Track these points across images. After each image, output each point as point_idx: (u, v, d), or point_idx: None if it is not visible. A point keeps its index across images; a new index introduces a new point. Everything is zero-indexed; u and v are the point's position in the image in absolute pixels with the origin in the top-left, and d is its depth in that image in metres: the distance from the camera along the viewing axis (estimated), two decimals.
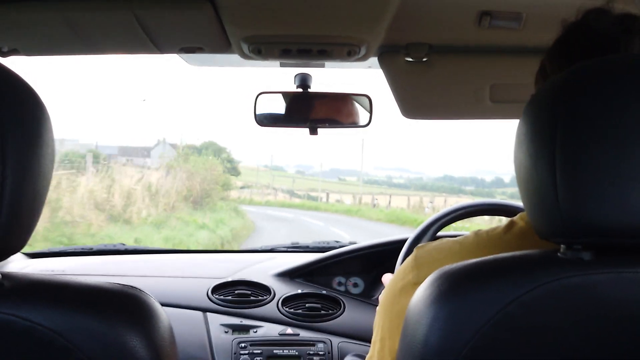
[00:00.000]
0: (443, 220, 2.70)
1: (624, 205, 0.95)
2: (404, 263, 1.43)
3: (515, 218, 1.38)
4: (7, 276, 1.03)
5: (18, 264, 3.06)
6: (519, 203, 2.56)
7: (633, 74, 0.98)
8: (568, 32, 1.35)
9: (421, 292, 1.07)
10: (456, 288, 1.03)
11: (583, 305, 0.98)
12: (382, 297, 1.45)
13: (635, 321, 0.99)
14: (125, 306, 1.05)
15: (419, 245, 1.43)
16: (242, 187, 56.08)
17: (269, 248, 3.52)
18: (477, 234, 1.38)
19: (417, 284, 1.29)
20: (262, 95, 2.35)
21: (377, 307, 1.47)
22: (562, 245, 1.04)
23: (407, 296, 1.32)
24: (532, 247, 1.15)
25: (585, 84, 0.99)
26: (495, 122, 2.44)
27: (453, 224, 2.76)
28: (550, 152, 0.99)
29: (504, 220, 1.48)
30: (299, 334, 2.71)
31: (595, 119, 0.96)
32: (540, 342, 0.98)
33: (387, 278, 2.05)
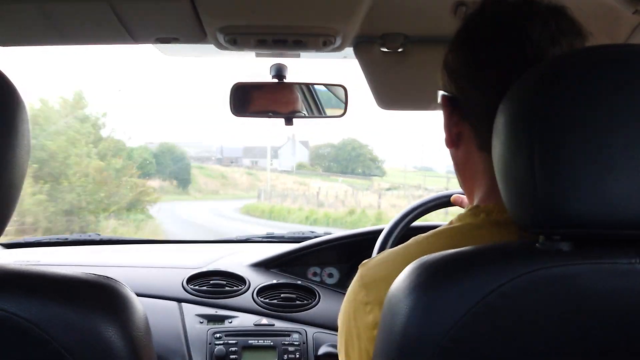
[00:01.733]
0: (418, 210, 2.70)
1: (602, 196, 0.96)
2: (351, 285, 1.40)
3: (453, 219, 1.37)
4: None
5: None
6: None
7: (609, 64, 0.99)
8: (468, 22, 1.36)
9: (399, 283, 1.07)
10: (435, 278, 1.03)
11: (562, 296, 0.98)
12: (339, 317, 1.43)
13: (614, 312, 0.99)
14: (100, 296, 1.05)
15: (363, 262, 1.40)
16: (387, 189, 54.21)
17: (244, 238, 3.52)
18: (417, 241, 1.35)
19: (369, 303, 1.29)
20: (238, 85, 2.35)
21: (338, 334, 1.44)
22: (540, 236, 1.05)
23: (361, 317, 1.31)
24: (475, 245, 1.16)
25: (562, 75, 1.00)
26: None
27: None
28: (528, 143, 0.99)
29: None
30: (274, 324, 2.71)
31: (573, 110, 0.97)
32: (520, 332, 0.99)
33: None
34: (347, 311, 1.38)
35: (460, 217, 1.36)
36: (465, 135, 1.36)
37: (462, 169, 1.43)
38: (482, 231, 1.28)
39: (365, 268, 1.37)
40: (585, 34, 1.28)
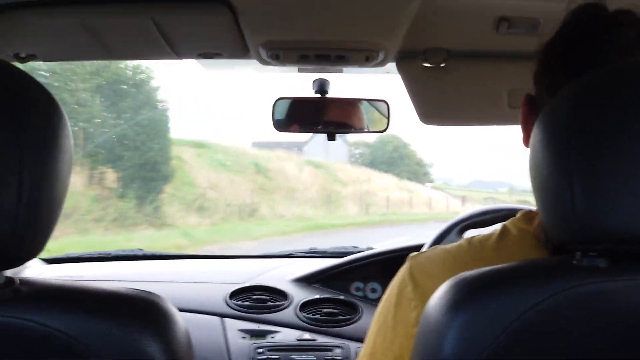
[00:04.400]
0: (463, 224, 2.69)
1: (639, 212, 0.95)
2: (398, 275, 1.40)
3: (507, 224, 1.36)
4: (25, 282, 1.04)
5: (35, 270, 3.07)
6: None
7: None
8: (556, 36, 1.34)
9: (436, 300, 1.06)
10: (472, 296, 1.02)
11: (600, 313, 0.97)
12: (377, 311, 1.42)
13: None
14: (142, 311, 1.05)
15: (412, 255, 1.40)
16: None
17: (286, 253, 3.52)
18: (471, 242, 1.35)
19: (414, 299, 1.28)
20: (280, 100, 2.36)
21: (372, 321, 1.44)
22: (577, 253, 1.03)
23: (403, 311, 1.31)
24: (526, 255, 1.14)
25: (600, 89, 0.99)
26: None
27: None
28: (565, 159, 0.98)
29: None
30: (316, 340, 2.70)
31: (610, 125, 0.95)
32: (557, 350, 0.98)
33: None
34: (389, 302, 1.38)
35: (513, 222, 1.35)
36: None
37: None
38: (534, 239, 1.27)
39: (415, 262, 1.37)
40: None
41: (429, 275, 1.30)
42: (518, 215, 1.35)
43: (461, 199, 47.89)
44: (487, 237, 1.34)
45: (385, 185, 44.47)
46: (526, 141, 1.37)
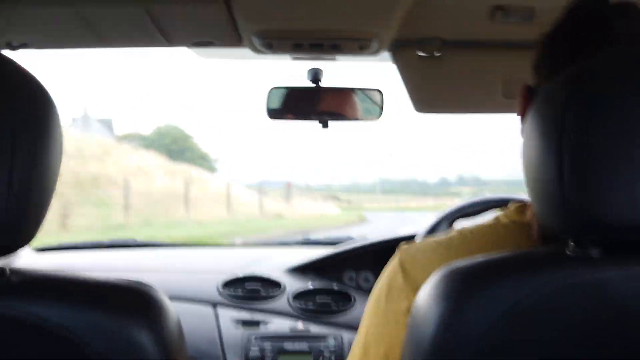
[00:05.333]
0: (456, 215, 2.70)
1: (633, 202, 0.95)
2: (388, 266, 1.40)
3: (499, 216, 1.36)
4: (15, 271, 1.03)
5: (26, 259, 3.07)
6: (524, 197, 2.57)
7: None
8: (559, 24, 1.33)
9: (427, 290, 1.06)
10: (464, 285, 1.02)
11: (593, 303, 0.97)
12: (369, 302, 1.42)
13: None
14: (133, 302, 1.05)
15: (404, 247, 1.40)
16: None
17: (280, 242, 3.53)
18: (461, 233, 1.35)
19: (404, 289, 1.28)
20: (274, 89, 2.36)
21: (363, 313, 1.45)
22: (570, 243, 1.03)
23: (394, 301, 1.31)
24: (517, 246, 1.14)
25: (592, 78, 0.98)
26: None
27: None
28: (558, 148, 0.98)
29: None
30: (309, 329, 2.71)
31: (604, 114, 0.95)
32: (549, 340, 0.98)
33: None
34: (380, 292, 1.38)
35: (506, 214, 1.35)
36: None
37: None
38: (527, 230, 1.27)
39: (405, 252, 1.37)
40: None
41: (419, 265, 1.30)
42: (510, 206, 1.35)
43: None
44: (479, 228, 1.34)
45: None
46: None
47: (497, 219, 1.35)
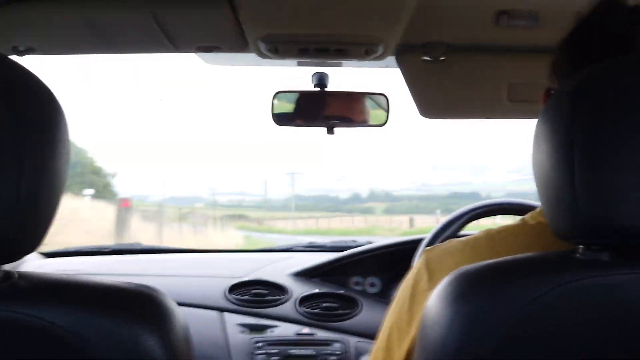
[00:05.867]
0: (461, 220, 2.69)
1: None
2: (413, 268, 1.39)
3: (526, 217, 1.36)
4: (23, 275, 1.03)
5: (34, 263, 3.07)
6: (529, 202, 2.57)
7: None
8: (578, 26, 1.33)
9: (439, 293, 1.06)
10: (475, 288, 1.03)
11: (603, 306, 0.97)
12: (392, 304, 1.42)
13: None
14: (140, 306, 1.05)
15: (428, 248, 1.40)
16: None
17: (285, 248, 3.53)
18: (488, 234, 1.35)
19: (430, 290, 1.28)
20: (280, 94, 2.36)
21: (386, 315, 1.44)
22: (580, 246, 1.03)
23: (420, 302, 1.30)
24: (544, 247, 1.14)
25: (605, 83, 0.98)
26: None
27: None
28: (568, 151, 0.98)
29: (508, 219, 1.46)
30: (315, 334, 2.71)
31: (614, 118, 0.95)
32: (559, 343, 0.98)
33: None
34: (403, 296, 1.37)
35: (532, 216, 1.35)
36: None
37: None
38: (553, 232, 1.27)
39: (431, 254, 1.36)
40: None
41: (446, 267, 1.29)
42: (537, 208, 1.35)
43: None
44: (505, 229, 1.34)
45: None
46: None
47: (523, 220, 1.35)
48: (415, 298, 1.32)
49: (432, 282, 1.29)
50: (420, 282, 1.33)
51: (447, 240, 1.41)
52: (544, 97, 1.36)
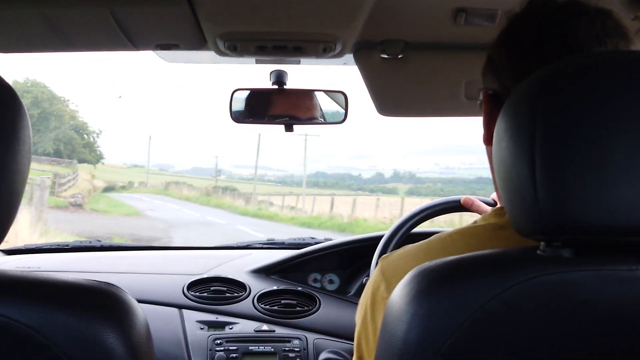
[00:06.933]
0: (423, 214, 2.70)
1: (603, 203, 0.96)
2: (371, 277, 1.40)
3: (478, 219, 1.37)
4: None
5: None
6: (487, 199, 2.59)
7: (614, 71, 0.99)
8: (514, 21, 1.35)
9: (400, 290, 1.07)
10: (435, 285, 1.03)
11: (563, 303, 0.98)
12: (357, 314, 1.43)
13: (615, 318, 0.99)
14: (101, 303, 1.05)
15: (383, 256, 1.40)
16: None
17: (244, 244, 3.52)
18: (440, 237, 1.36)
19: (387, 298, 1.29)
20: (238, 91, 2.36)
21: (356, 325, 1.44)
22: (541, 243, 1.04)
23: (379, 311, 1.30)
24: (496, 247, 1.15)
25: (566, 80, 0.99)
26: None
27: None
28: (529, 149, 0.99)
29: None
30: (274, 331, 2.71)
31: (575, 116, 0.96)
32: (520, 339, 0.99)
33: None
34: (364, 305, 1.38)
35: (484, 217, 1.36)
36: None
37: None
38: (505, 232, 1.27)
39: (386, 261, 1.37)
40: (630, 37, 1.27)
41: (401, 273, 1.29)
42: (490, 210, 1.37)
43: None
44: (457, 232, 1.35)
45: None
46: (487, 140, 1.37)
47: (475, 222, 1.37)
48: (375, 306, 1.33)
49: (390, 289, 1.29)
50: (378, 291, 1.34)
51: (402, 247, 1.42)
52: (485, 99, 1.37)
